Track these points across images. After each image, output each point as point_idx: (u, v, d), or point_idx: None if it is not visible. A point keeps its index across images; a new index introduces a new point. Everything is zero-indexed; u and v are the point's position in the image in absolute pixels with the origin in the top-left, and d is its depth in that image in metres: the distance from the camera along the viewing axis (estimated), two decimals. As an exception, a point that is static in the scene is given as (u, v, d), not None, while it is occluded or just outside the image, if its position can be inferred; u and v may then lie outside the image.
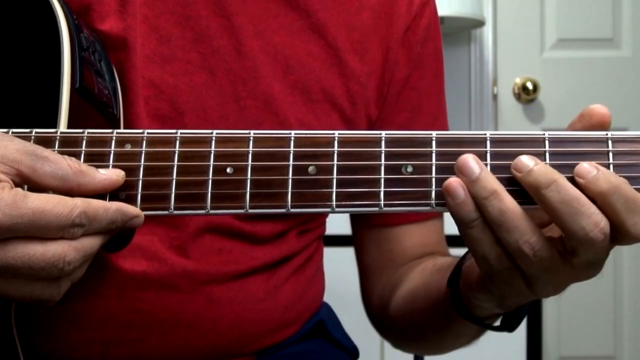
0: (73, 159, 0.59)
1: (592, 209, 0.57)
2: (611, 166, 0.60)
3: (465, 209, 0.58)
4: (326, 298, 1.00)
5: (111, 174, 0.60)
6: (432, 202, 0.61)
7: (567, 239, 0.58)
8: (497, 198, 0.58)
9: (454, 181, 0.58)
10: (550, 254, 0.59)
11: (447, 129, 0.97)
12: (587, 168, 0.58)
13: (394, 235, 0.94)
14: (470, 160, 0.59)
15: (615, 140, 0.61)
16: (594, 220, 0.56)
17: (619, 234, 0.58)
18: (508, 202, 0.58)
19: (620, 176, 0.59)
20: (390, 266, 0.94)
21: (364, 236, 0.97)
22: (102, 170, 0.60)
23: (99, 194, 0.60)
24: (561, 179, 0.57)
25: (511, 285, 0.63)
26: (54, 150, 0.61)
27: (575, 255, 0.59)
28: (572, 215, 0.56)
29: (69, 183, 0.58)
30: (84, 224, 0.57)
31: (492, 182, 0.58)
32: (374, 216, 0.95)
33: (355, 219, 0.98)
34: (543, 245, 0.58)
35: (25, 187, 0.58)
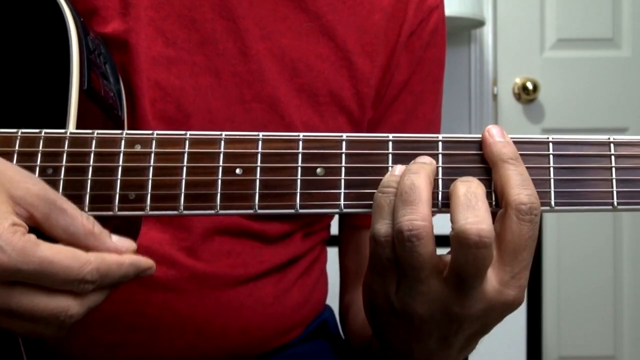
0: (91, 219, 0.58)
1: (482, 210, 0.57)
2: (614, 169, 0.61)
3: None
4: (327, 299, 1.00)
5: (121, 246, 0.59)
6: (438, 202, 0.61)
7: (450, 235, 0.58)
8: (416, 174, 0.59)
9: None
10: (426, 247, 0.58)
11: None
12: (499, 131, 0.61)
13: None
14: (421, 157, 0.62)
15: (618, 144, 0.62)
16: (478, 219, 0.57)
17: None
18: (423, 179, 0.59)
19: (622, 179, 0.60)
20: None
21: (345, 237, 0.98)
22: (114, 238, 0.59)
23: None
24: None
25: (383, 279, 0.62)
26: (79, 207, 0.60)
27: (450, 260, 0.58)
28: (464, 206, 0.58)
29: (78, 242, 0.57)
30: (95, 280, 0.56)
31: (420, 165, 0.60)
32: (354, 216, 0.94)
33: (340, 217, 0.98)
34: (424, 230, 0.57)
35: None
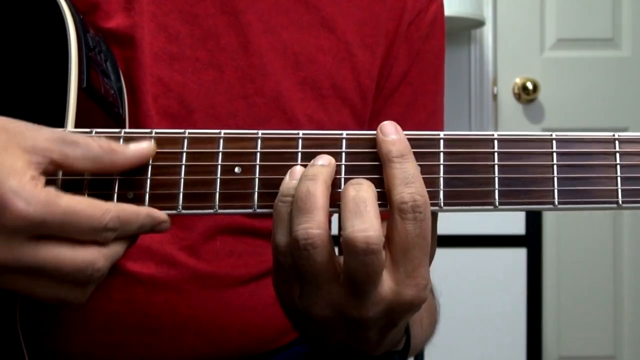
0: (102, 138, 0.60)
1: (371, 216, 0.57)
2: (618, 167, 0.61)
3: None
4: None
5: (142, 148, 0.61)
6: (439, 202, 0.61)
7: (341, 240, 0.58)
8: (312, 180, 0.58)
9: None
10: (322, 255, 0.58)
11: (442, 129, 0.96)
12: (391, 128, 0.60)
13: None
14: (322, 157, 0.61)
15: (623, 141, 0.61)
16: (365, 226, 0.56)
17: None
18: (319, 186, 0.58)
19: (627, 177, 0.59)
20: None
21: None
22: (132, 146, 0.61)
23: (134, 168, 0.61)
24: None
25: (287, 285, 0.61)
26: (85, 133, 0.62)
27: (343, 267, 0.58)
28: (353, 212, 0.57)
29: (102, 163, 0.59)
30: (116, 228, 0.57)
31: (318, 169, 0.59)
32: None
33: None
34: (319, 238, 0.57)
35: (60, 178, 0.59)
